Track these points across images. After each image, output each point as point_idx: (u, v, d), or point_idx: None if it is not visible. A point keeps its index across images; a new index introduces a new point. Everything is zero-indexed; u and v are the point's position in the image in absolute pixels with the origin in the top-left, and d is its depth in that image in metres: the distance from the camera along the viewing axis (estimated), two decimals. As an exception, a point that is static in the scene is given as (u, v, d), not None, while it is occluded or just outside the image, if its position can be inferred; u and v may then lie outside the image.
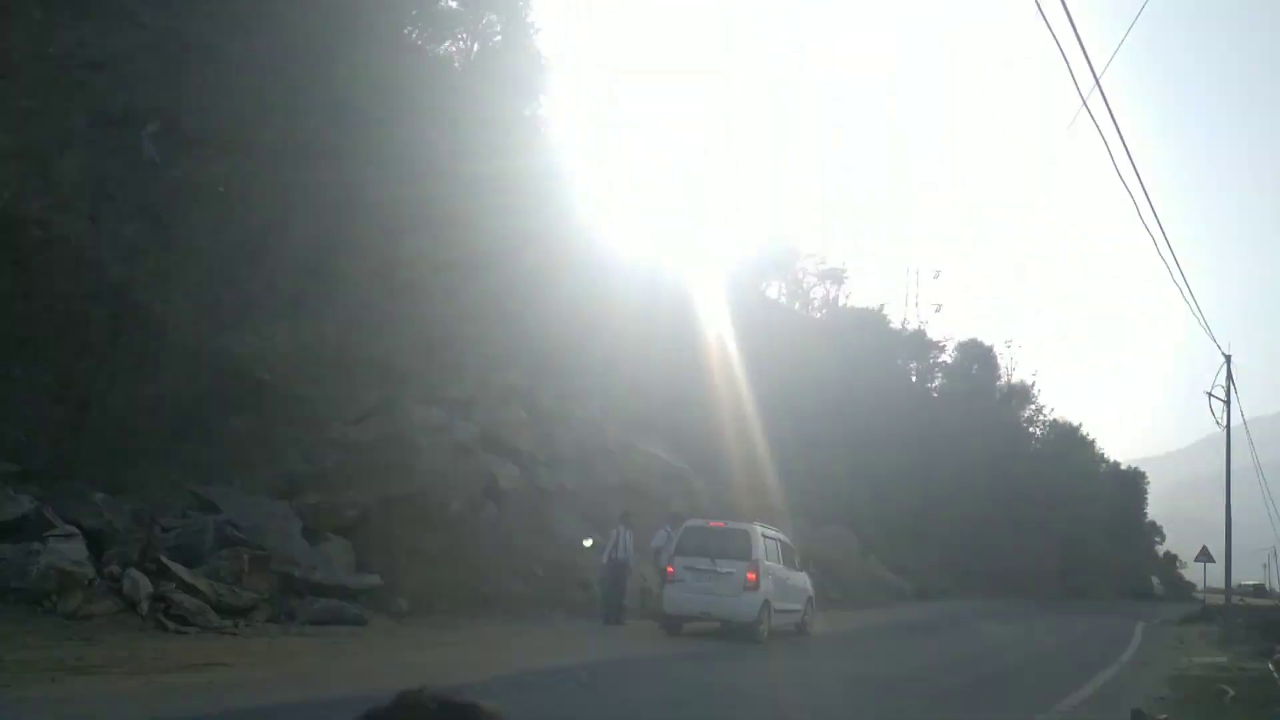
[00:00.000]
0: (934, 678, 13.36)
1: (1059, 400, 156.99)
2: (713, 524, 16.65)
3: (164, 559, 12.10)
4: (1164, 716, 10.70)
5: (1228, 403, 26.36)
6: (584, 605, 17.39)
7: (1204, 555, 33.71)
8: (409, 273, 18.37)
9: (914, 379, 49.08)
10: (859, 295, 55.81)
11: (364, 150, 18.22)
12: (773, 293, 43.80)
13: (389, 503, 15.28)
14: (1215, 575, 33.80)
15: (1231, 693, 12.54)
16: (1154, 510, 70.73)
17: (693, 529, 16.22)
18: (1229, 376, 26.56)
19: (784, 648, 15.42)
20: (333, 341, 17.06)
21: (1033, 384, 54.98)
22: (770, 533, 16.86)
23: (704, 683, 11.21)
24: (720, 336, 29.68)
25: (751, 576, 15.11)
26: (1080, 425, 58.36)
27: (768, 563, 15.68)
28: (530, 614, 16.04)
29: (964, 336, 53.28)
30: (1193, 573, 59.22)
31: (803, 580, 17.60)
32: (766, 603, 15.34)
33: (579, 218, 24.48)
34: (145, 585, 11.30)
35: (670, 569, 15.57)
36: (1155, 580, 61.01)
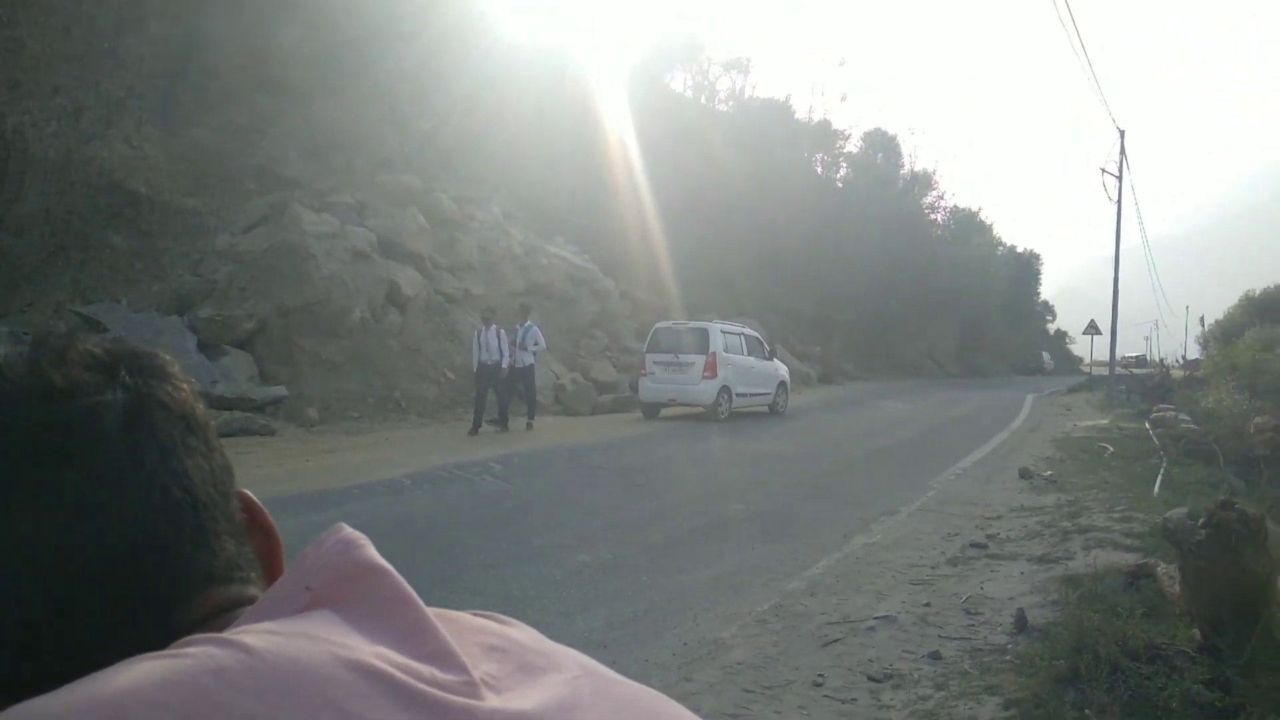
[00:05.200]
0: (837, 450, 14.01)
1: (960, 185, 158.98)
2: (676, 323, 19.01)
3: (52, 380, 11.69)
4: (1049, 472, 11.54)
5: (1120, 178, 27.01)
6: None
7: (1092, 329, 35.29)
8: (285, 70, 17.14)
9: (819, 170, 48.88)
10: (765, 86, 54.73)
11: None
12: (677, 85, 42.48)
13: (288, 313, 14.87)
14: (1101, 348, 35.70)
15: (1110, 449, 13.52)
16: (1046, 290, 73.95)
17: (661, 329, 18.51)
18: (1122, 151, 27.08)
19: (708, 430, 15.96)
20: (209, 148, 16.07)
21: (934, 171, 55.64)
22: (731, 328, 19.20)
23: (610, 466, 11.53)
24: (625, 132, 28.90)
25: (709, 366, 17.50)
26: (980, 210, 59.77)
27: (726, 354, 17.95)
28: (445, 416, 16.13)
29: (869, 125, 53.18)
30: (1081, 347, 62.83)
31: (773, 368, 19.89)
32: (725, 388, 17.73)
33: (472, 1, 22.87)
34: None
35: (643, 366, 18.06)
36: (1046, 355, 64.50)
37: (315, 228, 16.00)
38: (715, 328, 18.25)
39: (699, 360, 17.52)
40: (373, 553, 0.59)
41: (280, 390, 14.12)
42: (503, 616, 0.64)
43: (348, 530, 0.60)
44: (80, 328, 13.83)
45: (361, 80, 18.37)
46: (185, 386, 0.66)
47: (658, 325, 18.88)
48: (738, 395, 18.26)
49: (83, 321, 13.93)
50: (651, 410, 17.96)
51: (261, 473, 10.04)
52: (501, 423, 14.81)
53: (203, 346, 14.04)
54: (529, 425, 15.20)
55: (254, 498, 0.69)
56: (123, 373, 0.61)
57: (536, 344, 15.47)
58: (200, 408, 0.66)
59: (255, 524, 0.68)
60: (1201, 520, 3.84)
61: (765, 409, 19.63)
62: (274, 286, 15.05)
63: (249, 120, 17.21)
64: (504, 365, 14.66)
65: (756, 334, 20.18)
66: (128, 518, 0.58)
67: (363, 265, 16.33)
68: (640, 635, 4.95)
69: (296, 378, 14.56)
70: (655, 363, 17.86)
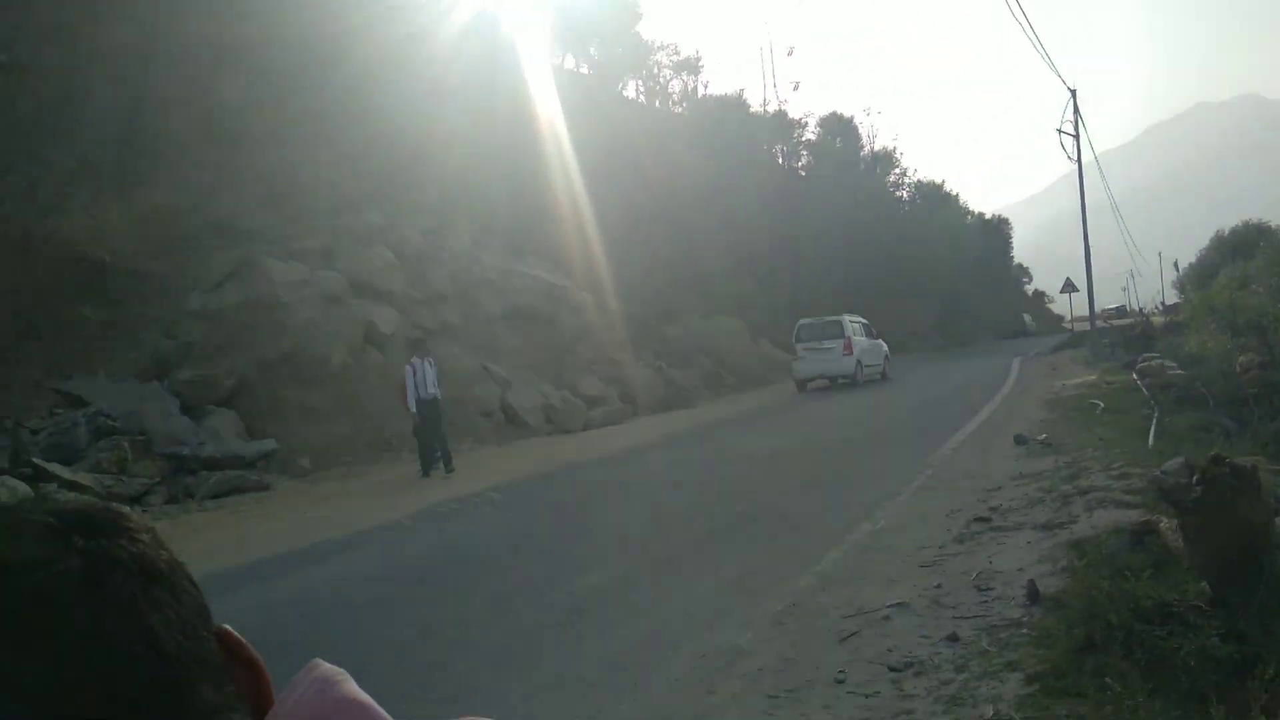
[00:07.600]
0: (834, 433, 13.98)
1: (922, 160, 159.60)
2: (815, 320, 24.53)
3: (38, 461, 11.57)
4: (1043, 436, 11.56)
5: (1076, 136, 27.19)
6: (492, 433, 17.53)
7: (1068, 286, 35.52)
8: (232, 121, 17.04)
9: (781, 160, 49.02)
10: (717, 83, 54.79)
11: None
12: (630, 92, 42.53)
13: (267, 365, 14.78)
14: (1081, 303, 35.90)
15: (1102, 405, 13.55)
16: (1020, 253, 74.34)
17: (804, 324, 24.40)
18: (1075, 110, 27.27)
19: (713, 432, 15.94)
20: (167, 208, 15.94)
21: (895, 148, 55.74)
22: (855, 319, 25.11)
23: (607, 481, 11.50)
24: (584, 146, 28.83)
25: (847, 346, 23.50)
26: (944, 182, 60.00)
27: (856, 338, 24.03)
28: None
29: (824, 111, 53.32)
30: (1060, 305, 63.16)
31: (881, 345, 26.08)
32: (858, 362, 23.76)
33: (400, 22, 22.31)
34: (24, 490, 10.82)
35: (795, 353, 24.32)
36: (1027, 318, 64.80)
37: (284, 276, 15.92)
38: (846, 319, 24.12)
39: (838, 343, 23.39)
40: (351, 688, 0.57)
41: (269, 444, 14.02)
42: None
43: (324, 667, 0.58)
44: (59, 404, 13.71)
45: (306, 125, 18.24)
46: (145, 537, 0.63)
47: (801, 321, 24.72)
48: (865, 366, 24.15)
49: (62, 398, 13.80)
50: (802, 385, 23.88)
51: (263, 528, 9.99)
52: (447, 462, 13.52)
53: (186, 409, 13.93)
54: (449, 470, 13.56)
55: (234, 633, 0.66)
56: (76, 538, 0.59)
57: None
58: (165, 555, 0.64)
59: (236, 659, 0.66)
60: (1195, 478, 3.85)
61: (879, 376, 25.11)
62: (250, 340, 14.96)
63: (203, 175, 17.08)
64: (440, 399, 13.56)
65: (866, 321, 25.76)
66: (92, 692, 0.55)
67: (336, 309, 16.25)
68: (649, 659, 4.89)
69: (284, 429, 14.47)
70: (804, 349, 23.86)
